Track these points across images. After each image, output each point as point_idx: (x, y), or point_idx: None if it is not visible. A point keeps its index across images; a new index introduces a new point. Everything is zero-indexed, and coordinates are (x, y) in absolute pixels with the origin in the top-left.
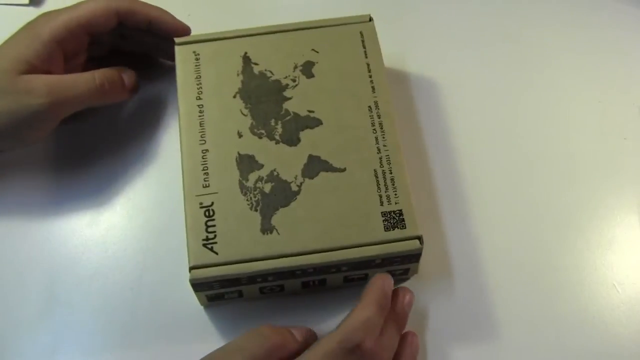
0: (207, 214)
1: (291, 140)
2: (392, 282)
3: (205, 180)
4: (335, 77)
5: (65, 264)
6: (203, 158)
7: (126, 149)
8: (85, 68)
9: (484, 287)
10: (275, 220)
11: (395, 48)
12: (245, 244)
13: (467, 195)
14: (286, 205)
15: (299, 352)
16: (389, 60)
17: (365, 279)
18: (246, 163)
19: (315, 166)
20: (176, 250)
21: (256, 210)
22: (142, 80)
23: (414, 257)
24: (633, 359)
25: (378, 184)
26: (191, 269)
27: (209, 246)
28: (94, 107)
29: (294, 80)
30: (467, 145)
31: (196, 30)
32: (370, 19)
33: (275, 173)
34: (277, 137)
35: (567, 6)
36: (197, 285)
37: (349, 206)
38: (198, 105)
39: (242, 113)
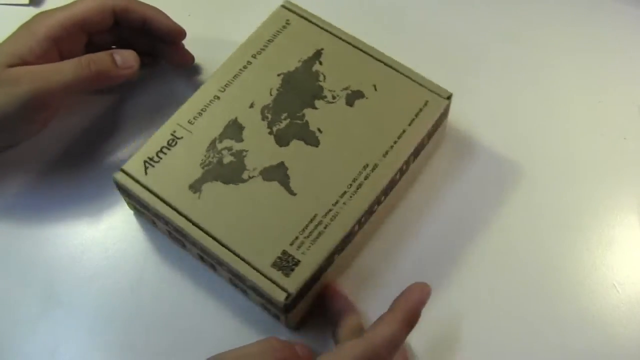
0: (169, 142)
1: (281, 140)
2: (429, 295)
3: (194, 118)
4: (367, 121)
5: (65, 264)
6: (210, 101)
7: (126, 149)
8: None
9: (483, 288)
10: (206, 187)
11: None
12: (170, 185)
13: (462, 194)
14: (225, 183)
15: None
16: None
17: (246, 293)
18: (232, 129)
19: (276, 174)
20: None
21: (202, 168)
22: (144, 80)
23: (278, 307)
24: (633, 359)
25: (305, 228)
26: (120, 170)
27: (146, 165)
28: (98, 91)
29: (333, 97)
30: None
31: (196, 31)
32: (449, 97)
33: (243, 153)
34: (274, 130)
35: (567, 6)
36: (118, 187)
37: (268, 223)
38: (247, 61)
39: (270, 92)
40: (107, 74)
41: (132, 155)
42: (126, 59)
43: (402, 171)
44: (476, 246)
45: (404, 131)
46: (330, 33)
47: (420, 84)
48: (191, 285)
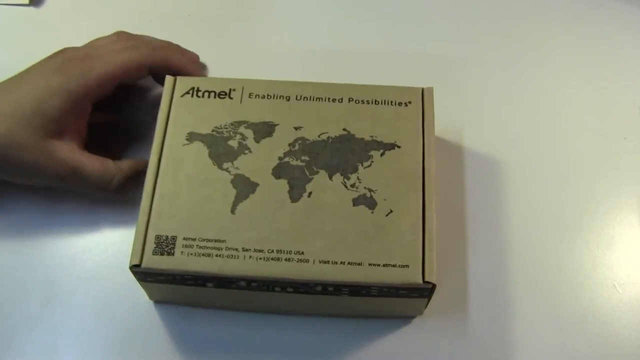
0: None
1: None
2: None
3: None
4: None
5: (66, 264)
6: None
7: (127, 149)
8: None
9: (482, 288)
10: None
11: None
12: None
13: (462, 196)
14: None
15: None
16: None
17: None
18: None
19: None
20: None
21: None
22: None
23: (422, 290)
24: (633, 359)
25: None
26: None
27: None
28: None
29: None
30: (471, 147)
31: (196, 30)
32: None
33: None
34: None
35: (566, 5)
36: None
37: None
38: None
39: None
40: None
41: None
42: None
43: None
44: (475, 247)
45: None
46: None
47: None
48: None
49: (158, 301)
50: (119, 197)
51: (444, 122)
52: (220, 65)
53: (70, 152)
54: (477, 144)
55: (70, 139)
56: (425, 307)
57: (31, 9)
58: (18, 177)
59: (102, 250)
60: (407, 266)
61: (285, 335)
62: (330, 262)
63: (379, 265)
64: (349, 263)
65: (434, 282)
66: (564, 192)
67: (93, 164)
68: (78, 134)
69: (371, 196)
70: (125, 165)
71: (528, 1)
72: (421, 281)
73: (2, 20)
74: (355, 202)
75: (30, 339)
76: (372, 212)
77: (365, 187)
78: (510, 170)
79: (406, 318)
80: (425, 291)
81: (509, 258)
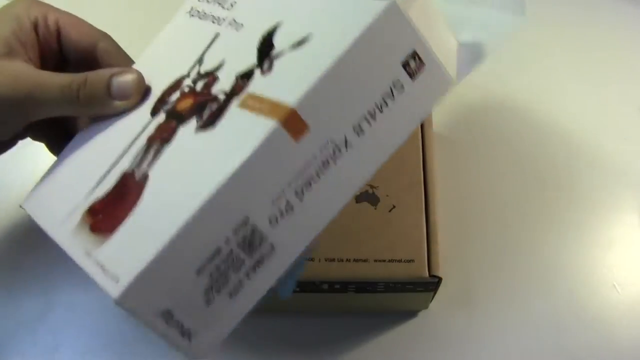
0: None
1: None
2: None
3: None
4: None
5: (66, 264)
6: None
7: None
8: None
9: (479, 290)
10: None
11: None
12: None
13: (462, 191)
14: None
15: None
16: None
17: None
18: None
19: None
20: None
21: None
22: None
23: (430, 284)
24: (633, 359)
25: None
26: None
27: None
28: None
29: None
30: (465, 137)
31: None
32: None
33: None
34: None
35: (566, 5)
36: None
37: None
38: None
39: None
40: (98, 106)
41: None
42: (123, 87)
43: None
44: (476, 246)
45: None
46: None
47: None
48: None
49: None
50: (97, 113)
51: (441, 118)
52: None
53: (25, 68)
54: (474, 144)
55: (24, 60)
56: (431, 301)
57: None
58: None
59: None
60: (413, 261)
61: (291, 333)
62: (336, 260)
63: (384, 260)
64: (354, 260)
65: (439, 275)
66: (564, 191)
67: (52, 74)
68: (31, 59)
69: (373, 192)
70: (96, 72)
71: (528, 1)
72: (427, 275)
73: None
74: (358, 199)
75: (30, 339)
76: (375, 209)
77: (367, 184)
78: (507, 170)
79: (412, 312)
80: (431, 285)
81: (509, 258)
